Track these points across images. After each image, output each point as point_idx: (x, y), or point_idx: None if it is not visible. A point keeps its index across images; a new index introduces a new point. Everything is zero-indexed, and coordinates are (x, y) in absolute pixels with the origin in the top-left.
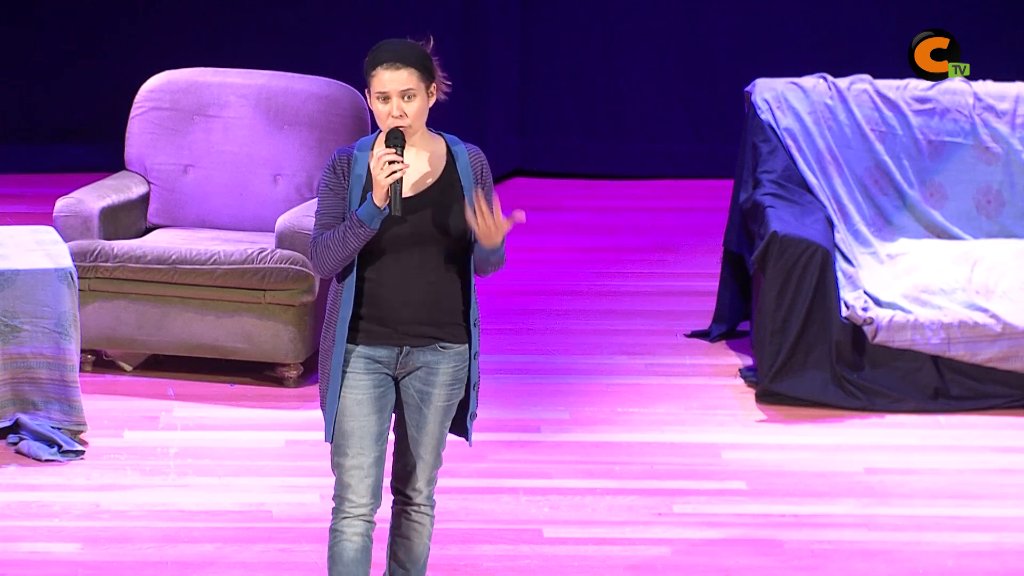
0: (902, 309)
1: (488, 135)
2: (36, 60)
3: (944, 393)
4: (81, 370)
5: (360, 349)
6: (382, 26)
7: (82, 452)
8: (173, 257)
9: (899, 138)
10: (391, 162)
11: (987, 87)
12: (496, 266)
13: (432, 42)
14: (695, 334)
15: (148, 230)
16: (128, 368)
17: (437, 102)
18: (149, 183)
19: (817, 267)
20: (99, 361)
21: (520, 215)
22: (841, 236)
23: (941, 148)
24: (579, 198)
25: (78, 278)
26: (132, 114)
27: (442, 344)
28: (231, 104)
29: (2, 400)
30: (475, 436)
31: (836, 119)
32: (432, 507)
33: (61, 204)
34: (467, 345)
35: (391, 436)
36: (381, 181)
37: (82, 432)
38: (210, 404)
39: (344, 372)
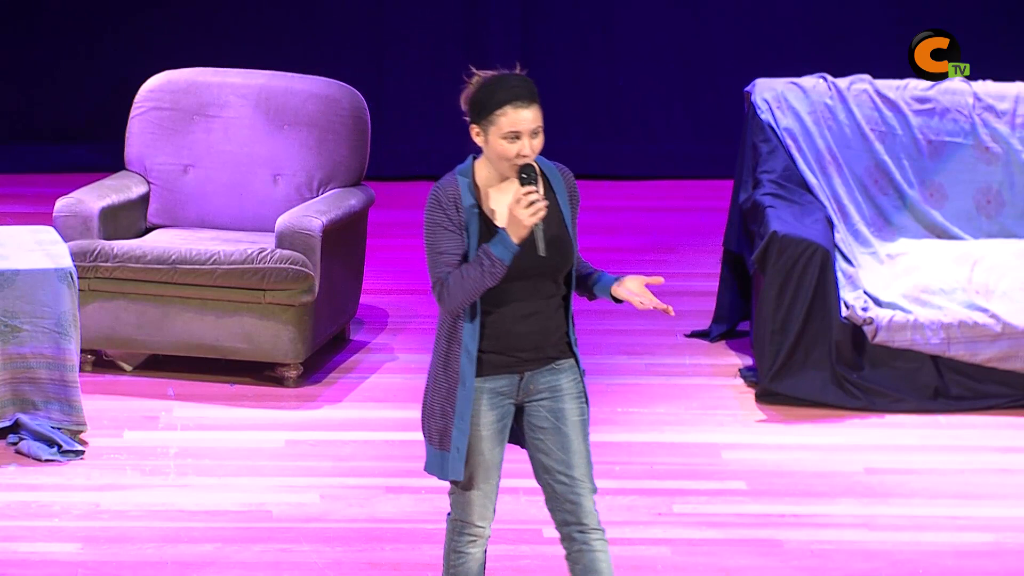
0: (902, 309)
1: None
2: (36, 60)
3: (944, 393)
4: (81, 370)
5: (481, 383)
6: (382, 26)
7: (82, 452)
8: (173, 257)
9: (899, 138)
10: (533, 202)
11: (987, 87)
12: None
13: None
14: (695, 334)
15: (148, 230)
16: (128, 368)
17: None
18: (149, 183)
19: (817, 267)
20: (99, 361)
21: (659, 279)
22: (841, 236)
23: (941, 148)
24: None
25: (78, 278)
26: (132, 114)
27: (556, 362)
28: (231, 104)
29: (2, 400)
30: None
31: (836, 119)
32: (603, 530)
33: (61, 204)
34: (573, 359)
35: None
36: (525, 221)
37: (82, 432)
38: (210, 404)
39: (473, 410)
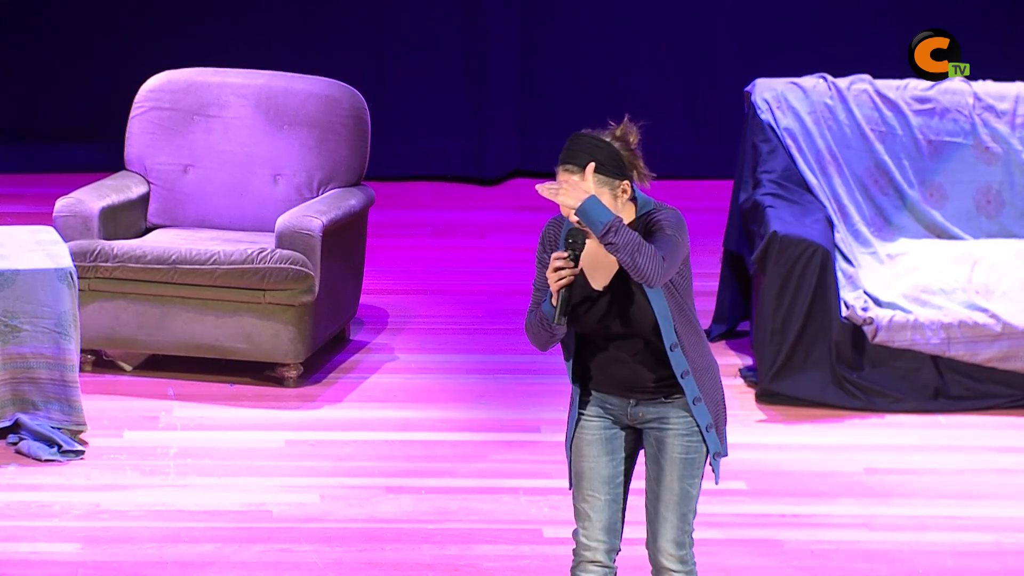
0: (902, 309)
1: (488, 135)
2: (36, 60)
3: (944, 393)
4: (81, 370)
5: (594, 394)
6: (382, 26)
7: (82, 452)
8: (173, 257)
9: (899, 138)
10: (558, 268)
11: (987, 87)
12: (627, 251)
13: (626, 122)
14: None
15: (148, 230)
16: (128, 368)
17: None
18: (149, 183)
19: (817, 267)
20: (99, 361)
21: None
22: (841, 236)
23: (941, 148)
24: None
25: (78, 278)
26: (132, 114)
27: (666, 397)
28: (231, 104)
29: (2, 400)
30: (475, 436)
31: (836, 119)
32: (690, 573)
33: (61, 204)
34: (684, 399)
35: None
36: (551, 286)
37: (82, 432)
38: (210, 404)
39: (579, 414)
